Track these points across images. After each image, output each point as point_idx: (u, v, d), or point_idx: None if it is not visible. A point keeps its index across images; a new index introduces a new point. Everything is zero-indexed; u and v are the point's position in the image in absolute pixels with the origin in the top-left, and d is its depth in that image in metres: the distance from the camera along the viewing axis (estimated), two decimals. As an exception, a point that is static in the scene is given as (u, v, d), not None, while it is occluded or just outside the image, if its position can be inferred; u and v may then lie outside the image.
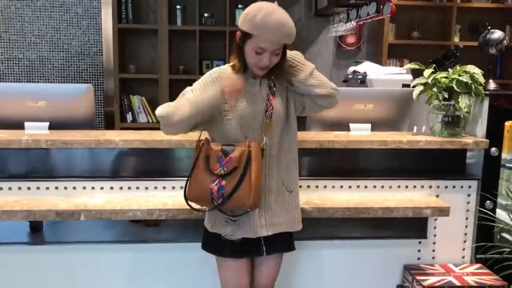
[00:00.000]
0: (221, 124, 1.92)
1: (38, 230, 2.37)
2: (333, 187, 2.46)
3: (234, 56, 1.92)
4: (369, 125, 2.79)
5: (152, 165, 2.40)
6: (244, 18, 1.82)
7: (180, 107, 1.85)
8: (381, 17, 4.63)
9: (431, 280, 2.35)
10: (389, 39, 5.48)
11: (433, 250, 2.57)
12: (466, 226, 2.57)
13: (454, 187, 2.53)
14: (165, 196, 2.32)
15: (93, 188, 2.31)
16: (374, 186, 2.49)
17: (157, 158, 2.40)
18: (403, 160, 2.56)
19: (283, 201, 2.00)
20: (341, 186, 2.46)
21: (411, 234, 2.54)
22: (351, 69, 4.19)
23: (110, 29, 4.56)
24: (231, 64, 1.95)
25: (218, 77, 1.91)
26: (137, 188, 2.34)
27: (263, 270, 2.07)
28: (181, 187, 2.32)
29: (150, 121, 4.81)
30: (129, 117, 4.77)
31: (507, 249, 2.41)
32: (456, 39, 5.53)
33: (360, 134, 2.70)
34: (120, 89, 4.66)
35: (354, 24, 4.79)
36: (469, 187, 2.54)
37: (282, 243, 2.04)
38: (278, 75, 1.93)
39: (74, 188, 2.31)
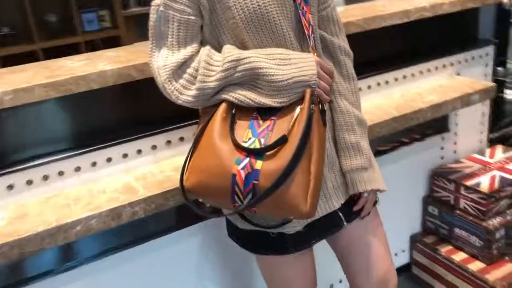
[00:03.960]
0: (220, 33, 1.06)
1: None
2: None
3: None
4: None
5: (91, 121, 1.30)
6: None
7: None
8: None
9: (483, 182, 1.84)
10: None
11: (455, 143, 2.05)
12: (483, 104, 2.08)
13: (473, 58, 1.97)
14: (126, 172, 1.30)
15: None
16: (396, 79, 1.79)
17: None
18: (414, 37, 1.87)
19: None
20: (360, 89, 1.69)
21: (433, 131, 1.97)
22: None
23: None
24: None
25: None
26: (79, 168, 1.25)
27: (371, 242, 1.24)
28: (153, 147, 1.35)
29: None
30: None
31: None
32: None
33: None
34: None
35: None
36: (487, 54, 2.01)
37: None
38: None
39: None
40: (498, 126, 2.13)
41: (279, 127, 1.00)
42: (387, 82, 1.76)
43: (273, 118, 1.01)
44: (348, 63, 1.20)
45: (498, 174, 1.89)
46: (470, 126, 2.08)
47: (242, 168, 0.96)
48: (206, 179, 0.99)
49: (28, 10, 3.27)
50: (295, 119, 0.98)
